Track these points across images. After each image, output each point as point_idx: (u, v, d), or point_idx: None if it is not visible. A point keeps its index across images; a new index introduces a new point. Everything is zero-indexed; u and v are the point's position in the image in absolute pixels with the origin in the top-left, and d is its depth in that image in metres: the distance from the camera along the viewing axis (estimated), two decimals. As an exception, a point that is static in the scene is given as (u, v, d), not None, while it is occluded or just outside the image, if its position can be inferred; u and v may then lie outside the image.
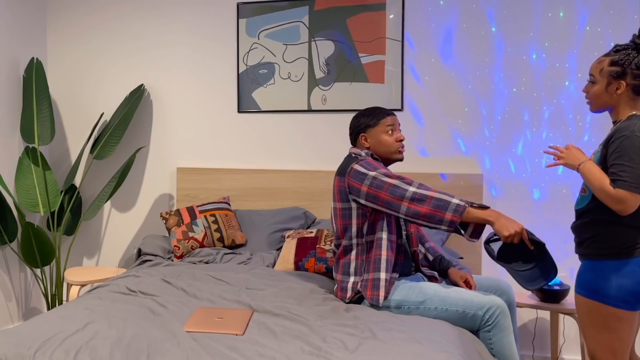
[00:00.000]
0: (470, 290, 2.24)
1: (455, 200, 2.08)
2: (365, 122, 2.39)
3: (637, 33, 1.96)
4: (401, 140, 2.37)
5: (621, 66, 1.94)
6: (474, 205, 2.09)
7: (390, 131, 2.36)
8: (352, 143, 2.47)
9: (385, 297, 2.21)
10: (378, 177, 2.20)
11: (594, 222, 1.98)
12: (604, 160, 1.94)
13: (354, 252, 2.33)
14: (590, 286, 1.96)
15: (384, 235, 2.26)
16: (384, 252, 2.25)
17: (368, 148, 2.40)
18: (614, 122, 2.01)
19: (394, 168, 3.25)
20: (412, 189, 2.14)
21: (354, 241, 2.33)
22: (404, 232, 2.37)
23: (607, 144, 1.93)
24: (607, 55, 1.99)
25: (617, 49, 1.97)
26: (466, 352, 1.91)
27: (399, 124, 2.41)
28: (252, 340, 1.86)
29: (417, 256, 2.42)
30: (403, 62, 3.29)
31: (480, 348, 2.08)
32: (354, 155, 2.38)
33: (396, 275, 2.27)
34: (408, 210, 2.12)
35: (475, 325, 2.14)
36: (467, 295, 2.16)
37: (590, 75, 2.03)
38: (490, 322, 2.11)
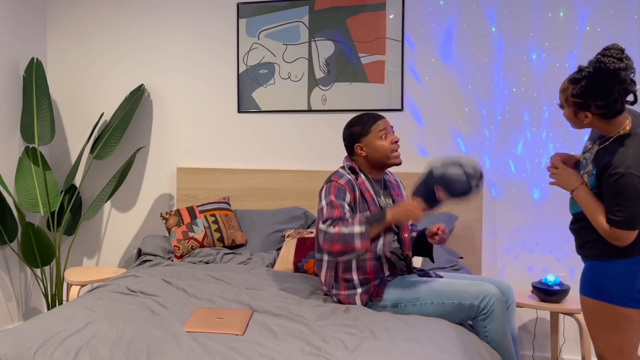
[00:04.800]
0: (460, 280, 2.26)
1: (357, 229, 2.16)
2: (357, 131, 2.38)
3: (595, 57, 1.82)
4: (396, 142, 2.36)
5: (582, 99, 1.86)
6: (371, 220, 2.20)
7: (383, 136, 2.35)
8: (348, 153, 2.46)
9: (369, 299, 2.27)
10: (322, 210, 2.29)
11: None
12: (599, 185, 1.91)
13: (323, 267, 2.38)
14: (595, 287, 1.95)
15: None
16: (353, 272, 2.30)
17: (365, 157, 2.38)
18: (602, 136, 1.94)
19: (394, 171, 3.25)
20: (322, 227, 2.22)
21: (324, 257, 2.38)
22: (391, 241, 2.37)
23: (601, 172, 1.89)
24: (570, 80, 1.90)
25: (575, 78, 1.86)
26: (466, 352, 1.91)
27: (392, 126, 2.41)
28: (252, 340, 1.86)
29: (410, 259, 2.43)
30: (403, 62, 3.29)
31: (479, 348, 2.08)
32: (339, 170, 2.40)
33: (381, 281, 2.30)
34: (326, 251, 2.23)
35: (471, 315, 2.16)
36: (460, 287, 2.18)
37: (559, 99, 1.97)
38: (485, 311, 2.13)
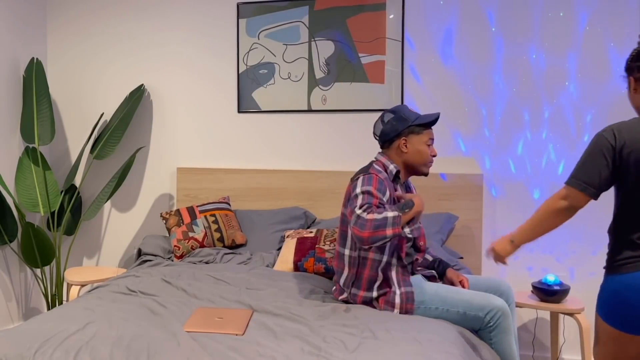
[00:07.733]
0: (469, 290, 2.24)
1: (390, 214, 2.05)
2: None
3: None
4: (434, 156, 2.30)
5: (628, 61, 1.79)
6: (402, 208, 2.12)
7: (429, 144, 2.28)
8: (384, 141, 2.34)
9: (402, 308, 2.21)
10: (356, 197, 2.14)
11: (608, 231, 1.89)
12: None
13: (346, 262, 2.31)
14: (597, 298, 1.88)
15: (375, 256, 2.24)
16: (367, 272, 2.25)
17: (404, 154, 2.29)
18: None
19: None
20: (358, 211, 2.08)
21: (347, 252, 2.31)
22: (410, 249, 2.34)
23: None
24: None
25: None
26: (466, 352, 1.91)
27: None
28: (252, 340, 1.86)
29: (415, 264, 2.42)
30: (403, 62, 3.29)
31: (480, 348, 2.08)
32: (374, 165, 2.28)
33: (411, 289, 2.24)
34: (355, 236, 2.08)
35: (476, 326, 2.15)
36: (467, 296, 2.16)
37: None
38: (491, 324, 2.12)
